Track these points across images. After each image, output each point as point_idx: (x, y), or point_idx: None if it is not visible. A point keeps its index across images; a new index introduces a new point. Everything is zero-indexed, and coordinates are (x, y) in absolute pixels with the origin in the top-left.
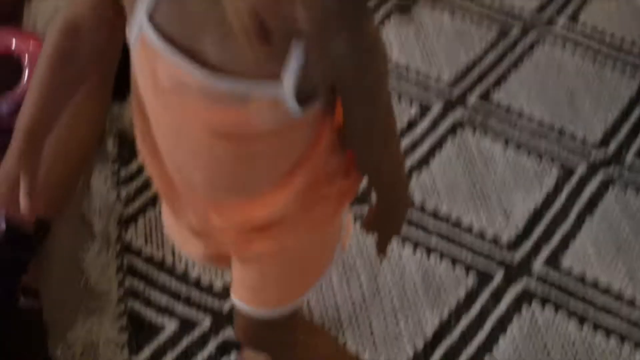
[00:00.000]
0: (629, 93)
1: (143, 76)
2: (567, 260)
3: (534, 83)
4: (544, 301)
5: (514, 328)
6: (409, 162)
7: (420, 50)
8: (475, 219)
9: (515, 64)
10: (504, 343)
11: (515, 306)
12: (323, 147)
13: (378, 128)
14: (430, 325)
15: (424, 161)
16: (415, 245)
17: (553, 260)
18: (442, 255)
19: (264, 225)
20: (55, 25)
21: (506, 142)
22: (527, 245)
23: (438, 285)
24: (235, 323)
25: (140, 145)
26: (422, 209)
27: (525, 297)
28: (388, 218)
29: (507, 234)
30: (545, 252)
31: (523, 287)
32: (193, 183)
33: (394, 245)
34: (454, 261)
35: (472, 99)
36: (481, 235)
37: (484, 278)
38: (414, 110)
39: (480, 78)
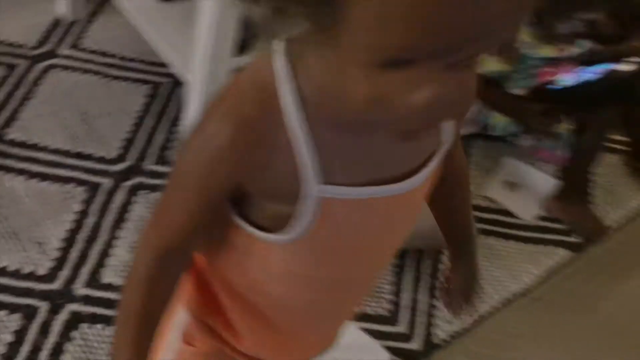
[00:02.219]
0: (137, 106)
1: (343, 237)
2: (107, 277)
3: (47, 114)
4: (93, 320)
5: (70, 353)
6: None
7: None
8: (10, 259)
9: (25, 100)
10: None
11: (65, 334)
12: None
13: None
14: None
15: None
16: None
17: (93, 280)
18: None
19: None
20: (143, 270)
21: (29, 176)
22: (65, 272)
23: None
24: None
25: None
26: None
27: (73, 322)
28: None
29: (45, 266)
30: (84, 274)
31: (69, 313)
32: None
33: None
34: None
35: None
36: (18, 274)
37: (29, 315)
38: None
39: None
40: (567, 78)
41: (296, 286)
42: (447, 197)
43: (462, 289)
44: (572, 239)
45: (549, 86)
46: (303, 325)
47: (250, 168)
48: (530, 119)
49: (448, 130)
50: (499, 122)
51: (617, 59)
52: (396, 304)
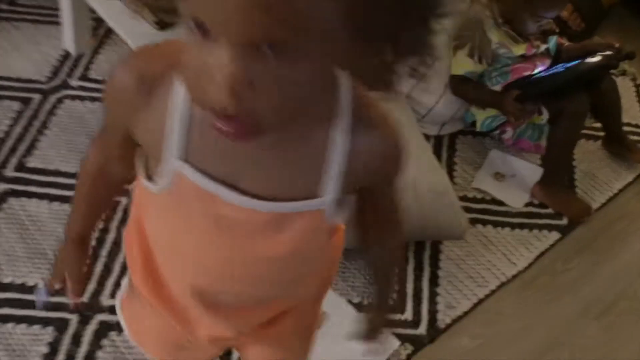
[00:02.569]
0: None
1: (178, 216)
2: None
3: (63, 142)
4: (121, 328)
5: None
6: None
7: None
8: (39, 278)
9: (41, 130)
10: None
11: (96, 342)
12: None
13: (397, 217)
14: None
15: None
16: None
17: (117, 291)
18: (17, 320)
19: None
20: (88, 164)
21: (51, 200)
22: (92, 285)
23: (20, 348)
24: None
25: (143, 283)
26: None
27: (102, 331)
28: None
29: None
30: (109, 286)
31: (98, 323)
32: (222, 299)
33: None
34: (30, 321)
35: (9, 172)
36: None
37: (61, 327)
38: None
39: (13, 151)
40: (539, 72)
41: (159, 229)
42: (375, 243)
43: (372, 322)
44: (559, 222)
45: (523, 78)
46: (167, 273)
47: (134, 115)
48: (506, 105)
49: (329, 190)
50: (481, 118)
51: (584, 54)
52: (401, 294)
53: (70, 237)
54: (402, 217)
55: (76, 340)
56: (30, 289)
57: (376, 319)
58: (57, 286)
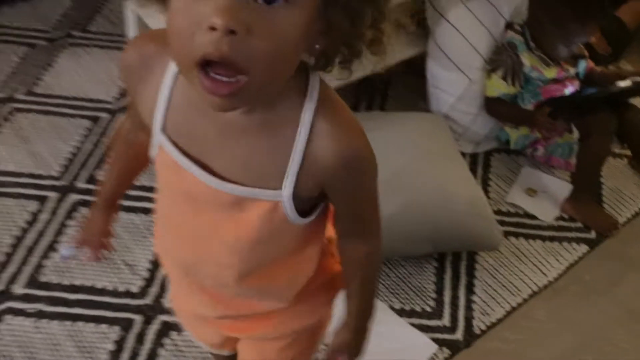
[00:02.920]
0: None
1: (162, 183)
2: None
3: None
4: (181, 327)
5: (163, 357)
6: (39, 252)
7: (27, 154)
8: (108, 281)
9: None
10: None
11: (158, 341)
12: (318, 254)
13: (368, 224)
14: None
15: (51, 247)
16: (62, 318)
17: None
18: (87, 319)
19: (265, 314)
20: (120, 129)
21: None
22: (154, 288)
23: (89, 344)
24: None
25: (158, 244)
26: (61, 287)
27: (164, 331)
28: (357, 335)
29: (137, 285)
30: (169, 292)
31: (160, 323)
32: (202, 278)
33: (41, 323)
34: (98, 321)
35: (80, 184)
36: (115, 293)
37: (127, 327)
38: (31, 208)
39: (84, 164)
40: (569, 92)
41: (158, 201)
42: (345, 281)
43: (342, 345)
44: (588, 235)
45: (553, 98)
46: (161, 245)
47: (136, 87)
48: (537, 119)
49: (286, 184)
50: (515, 137)
51: (614, 78)
52: (439, 301)
53: (100, 201)
54: (371, 238)
55: (140, 338)
56: (99, 291)
57: (342, 341)
58: (79, 243)
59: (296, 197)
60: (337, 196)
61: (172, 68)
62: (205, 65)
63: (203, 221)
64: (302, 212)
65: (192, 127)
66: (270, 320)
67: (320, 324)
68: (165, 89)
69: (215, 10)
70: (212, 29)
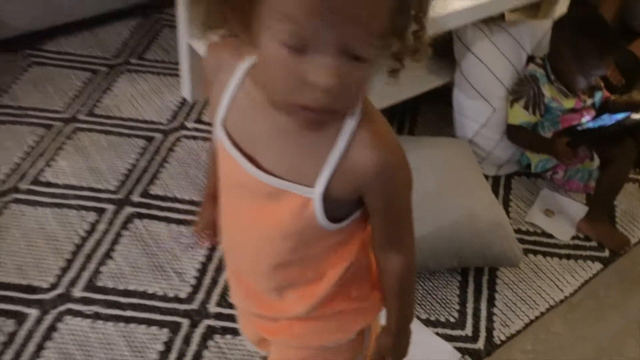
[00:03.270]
0: None
1: (220, 173)
2: None
3: (180, 173)
4: (224, 332)
5: (207, 358)
6: (97, 259)
7: (87, 169)
8: (158, 287)
9: (163, 164)
10: None
11: (203, 343)
12: (349, 262)
13: (401, 234)
14: None
15: (108, 255)
16: (116, 320)
17: (223, 300)
18: (139, 322)
19: (288, 322)
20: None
21: (169, 222)
22: (201, 295)
23: (140, 345)
24: None
25: (222, 237)
26: (116, 291)
27: (208, 334)
28: (397, 339)
29: (184, 291)
30: (215, 296)
31: (205, 327)
32: (238, 266)
33: (97, 323)
34: (149, 323)
35: (135, 197)
36: (165, 298)
37: (175, 329)
38: (90, 219)
39: (138, 180)
40: (587, 122)
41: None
42: (384, 292)
43: (383, 349)
44: (602, 254)
45: (572, 127)
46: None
47: (210, 80)
48: (557, 149)
49: (319, 183)
50: (535, 161)
51: (630, 108)
52: (462, 313)
53: (206, 195)
54: (406, 252)
55: (187, 340)
56: (150, 296)
57: (384, 345)
58: (194, 232)
59: (328, 198)
60: (373, 204)
61: (239, 72)
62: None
63: (245, 209)
64: (335, 219)
65: (249, 124)
66: (292, 329)
67: (352, 344)
68: (231, 89)
69: (321, 71)
70: (315, 85)
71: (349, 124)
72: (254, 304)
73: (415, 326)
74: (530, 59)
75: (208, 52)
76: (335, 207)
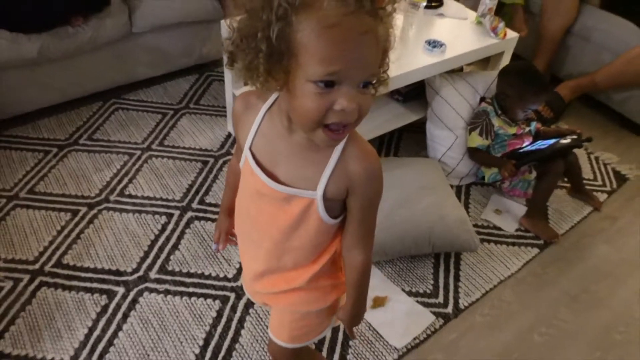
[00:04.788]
0: None
1: (243, 186)
2: None
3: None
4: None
5: (249, 322)
6: (167, 250)
7: (159, 185)
8: (213, 269)
9: (215, 180)
10: (244, 333)
11: (245, 310)
12: (334, 250)
13: (366, 234)
14: (200, 338)
15: (175, 247)
16: (181, 294)
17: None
18: (198, 296)
19: (287, 291)
20: (230, 163)
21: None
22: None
23: (200, 312)
24: (269, 344)
25: (236, 227)
26: (181, 273)
27: (249, 304)
28: (353, 316)
29: (231, 272)
30: None
31: (247, 299)
32: (255, 258)
33: (167, 298)
34: (205, 297)
35: (195, 205)
36: (218, 278)
37: (224, 300)
38: (162, 221)
39: (197, 191)
40: (527, 146)
41: (239, 197)
42: (347, 281)
43: (343, 320)
44: (539, 242)
45: (516, 150)
46: (239, 226)
47: (237, 124)
48: (505, 167)
49: (320, 187)
50: (488, 174)
51: (557, 135)
52: (435, 286)
53: (222, 209)
54: (367, 250)
55: (233, 309)
56: (206, 277)
57: (343, 317)
58: (216, 239)
59: (326, 197)
60: (353, 203)
61: (262, 110)
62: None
63: (266, 210)
64: (332, 216)
65: (271, 147)
66: (288, 299)
67: (324, 312)
68: (257, 121)
69: (347, 100)
70: (342, 110)
71: (341, 142)
72: (265, 283)
73: (401, 296)
74: (482, 99)
75: (236, 101)
76: (330, 206)
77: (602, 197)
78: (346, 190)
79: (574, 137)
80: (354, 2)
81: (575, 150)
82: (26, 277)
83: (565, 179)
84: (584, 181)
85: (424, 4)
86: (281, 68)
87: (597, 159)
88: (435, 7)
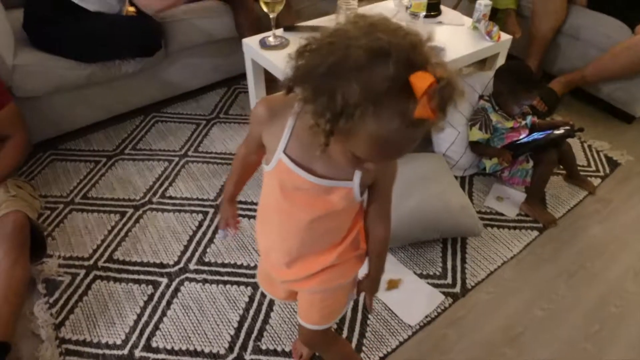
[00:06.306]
0: None
1: (273, 185)
2: None
3: (254, 186)
4: None
5: (275, 307)
6: (204, 244)
7: (195, 187)
8: (244, 259)
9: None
10: (273, 315)
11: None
12: (359, 224)
13: (388, 210)
14: (235, 321)
15: (211, 240)
16: (217, 283)
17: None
18: (232, 283)
19: (319, 271)
20: (239, 154)
21: (249, 218)
22: None
23: (234, 298)
24: (299, 331)
25: (258, 232)
26: (217, 264)
27: None
28: (376, 283)
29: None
30: None
31: None
32: (287, 249)
33: (205, 286)
34: (239, 284)
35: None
36: (249, 267)
37: (255, 287)
38: (199, 218)
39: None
40: (523, 138)
41: (262, 195)
42: (369, 252)
43: (366, 288)
44: (537, 225)
45: (514, 142)
46: (265, 225)
47: (260, 128)
48: (504, 159)
49: (356, 177)
50: (489, 165)
51: (551, 127)
52: (444, 268)
53: (226, 198)
54: (387, 222)
55: (263, 294)
56: (239, 266)
57: (367, 285)
58: (223, 226)
59: (360, 184)
60: (378, 186)
61: (293, 116)
62: None
63: (302, 202)
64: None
65: (307, 146)
66: (320, 277)
67: (349, 285)
68: (290, 126)
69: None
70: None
71: None
72: (297, 270)
73: (413, 278)
74: (481, 97)
75: (258, 107)
76: (362, 189)
77: (596, 181)
78: (374, 177)
79: (567, 127)
80: (437, 110)
81: (569, 140)
82: (82, 272)
83: (561, 167)
84: (579, 168)
85: (424, 13)
86: (332, 129)
87: (590, 146)
88: (434, 16)
